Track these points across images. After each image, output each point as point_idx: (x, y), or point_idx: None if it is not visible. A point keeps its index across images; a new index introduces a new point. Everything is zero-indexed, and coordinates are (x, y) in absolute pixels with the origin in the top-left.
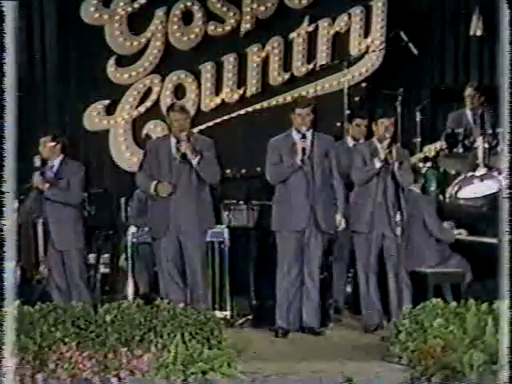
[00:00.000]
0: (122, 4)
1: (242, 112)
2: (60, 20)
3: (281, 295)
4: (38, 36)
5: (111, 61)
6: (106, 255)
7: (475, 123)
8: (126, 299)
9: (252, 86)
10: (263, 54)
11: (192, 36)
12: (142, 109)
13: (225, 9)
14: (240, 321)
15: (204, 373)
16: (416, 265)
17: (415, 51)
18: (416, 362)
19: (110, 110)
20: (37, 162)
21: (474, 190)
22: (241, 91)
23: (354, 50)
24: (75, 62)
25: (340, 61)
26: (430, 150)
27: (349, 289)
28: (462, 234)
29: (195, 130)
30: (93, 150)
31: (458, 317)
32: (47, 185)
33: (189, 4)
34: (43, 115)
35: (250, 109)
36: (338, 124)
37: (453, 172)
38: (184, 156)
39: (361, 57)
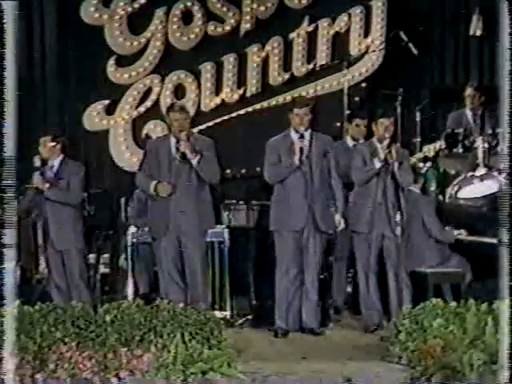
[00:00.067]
0: (121, 4)
1: (241, 112)
2: (60, 20)
3: (280, 295)
4: (38, 36)
5: (111, 61)
6: (106, 255)
7: (475, 123)
8: (125, 299)
9: (252, 86)
10: (263, 54)
11: (192, 36)
12: (141, 109)
13: (225, 9)
14: (240, 321)
15: (204, 373)
16: (416, 265)
17: (415, 51)
18: (416, 362)
19: (109, 110)
20: (37, 162)
21: (474, 190)
22: (241, 91)
23: (353, 50)
24: (75, 62)
25: (340, 61)
26: (430, 150)
27: (349, 289)
28: (461, 234)
29: (195, 130)
30: (93, 150)
31: (457, 317)
32: (47, 185)
33: (189, 4)
34: (43, 115)
35: (249, 109)
36: (338, 124)
37: (453, 172)
38: (184, 156)
39: (361, 57)
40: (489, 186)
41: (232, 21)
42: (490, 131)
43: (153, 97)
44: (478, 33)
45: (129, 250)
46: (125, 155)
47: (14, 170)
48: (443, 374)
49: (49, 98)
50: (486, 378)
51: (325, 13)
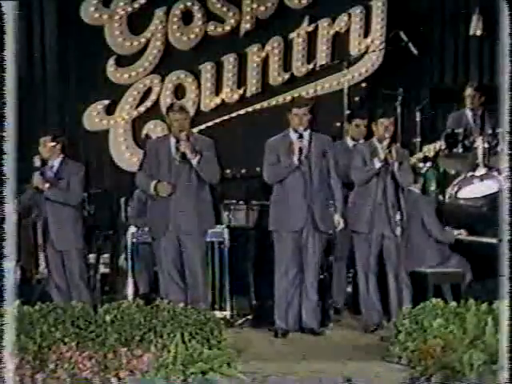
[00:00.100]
0: (121, 4)
1: (241, 112)
2: (60, 20)
3: (279, 296)
4: (38, 36)
5: (111, 61)
6: (106, 255)
7: (475, 123)
8: (125, 299)
9: (252, 86)
10: (263, 54)
11: (192, 36)
12: (141, 109)
13: (225, 9)
14: (240, 321)
15: (204, 373)
16: (416, 265)
17: (415, 51)
18: (416, 362)
19: (109, 110)
20: (37, 162)
21: (474, 190)
22: (241, 91)
23: (353, 50)
24: (75, 62)
25: (340, 61)
26: (430, 150)
27: (349, 289)
28: (461, 234)
29: (195, 130)
30: (93, 150)
31: (457, 317)
32: (47, 185)
33: (189, 4)
34: (43, 115)
35: (249, 109)
36: (338, 124)
37: (453, 172)
38: (184, 156)
39: (361, 57)
40: (489, 186)
41: (232, 21)
42: (489, 131)
43: (153, 97)
44: (478, 33)
45: (129, 249)
46: (125, 155)
47: (14, 170)
48: (443, 374)
49: (49, 98)
50: (486, 378)
51: (325, 13)
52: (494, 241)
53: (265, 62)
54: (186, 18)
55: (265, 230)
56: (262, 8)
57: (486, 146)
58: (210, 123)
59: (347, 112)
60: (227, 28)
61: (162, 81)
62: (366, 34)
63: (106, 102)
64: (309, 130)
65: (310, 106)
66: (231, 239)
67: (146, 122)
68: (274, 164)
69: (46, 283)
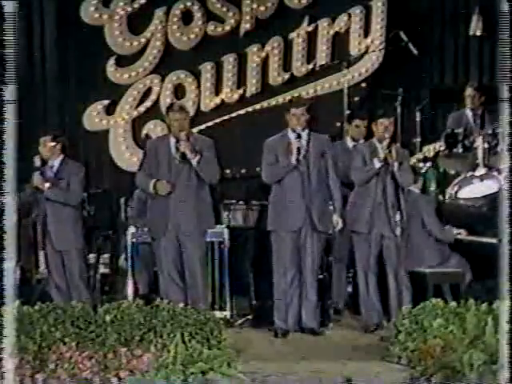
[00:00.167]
0: (121, 4)
1: (241, 112)
2: (60, 20)
3: (278, 296)
4: (38, 36)
5: (111, 61)
6: (106, 255)
7: (475, 123)
8: (125, 299)
9: (252, 86)
10: (263, 54)
11: (192, 36)
12: (141, 109)
13: (224, 9)
14: (240, 321)
15: (204, 373)
16: (416, 265)
17: (415, 51)
18: (416, 362)
19: (109, 110)
20: (37, 162)
21: (474, 190)
22: (241, 91)
23: (353, 50)
24: (75, 62)
25: (340, 61)
26: (430, 150)
27: (349, 289)
28: (461, 234)
29: (195, 130)
30: (93, 150)
31: (457, 317)
32: (47, 185)
33: (189, 4)
34: (43, 115)
35: (249, 109)
36: (338, 124)
37: (453, 172)
38: (183, 156)
39: (361, 57)
40: (489, 186)
41: (232, 21)
42: (490, 131)
43: (153, 97)
44: (478, 33)
45: (129, 250)
46: (125, 155)
47: (14, 170)
48: (443, 374)
49: (49, 98)
50: (486, 378)
51: (325, 13)
52: (494, 241)
53: (265, 62)
54: (186, 17)
55: (265, 230)
56: (262, 8)
57: (486, 146)
58: (209, 123)
59: (347, 112)
60: (227, 28)
61: (162, 81)
62: (366, 34)
63: (106, 102)
64: (307, 130)
65: (307, 106)
66: (231, 239)
67: (145, 122)
68: (272, 164)
69: (45, 283)
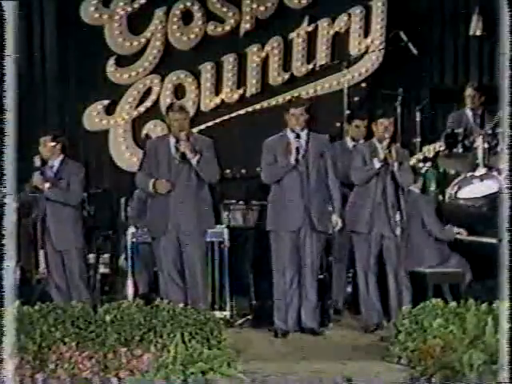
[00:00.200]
0: (121, 4)
1: (241, 112)
2: (60, 20)
3: (278, 296)
4: (38, 36)
5: (111, 61)
6: (106, 255)
7: (475, 123)
8: (125, 299)
9: (252, 86)
10: (263, 54)
11: (192, 36)
12: (141, 109)
13: (224, 9)
14: (240, 321)
15: (204, 373)
16: (416, 265)
17: (415, 51)
18: (416, 362)
19: (109, 110)
20: (37, 162)
21: (474, 190)
22: (241, 91)
23: (353, 50)
24: (75, 62)
25: (340, 61)
26: (430, 150)
27: (349, 289)
28: (461, 234)
29: (195, 130)
30: (93, 150)
31: (457, 317)
32: (47, 185)
33: (189, 4)
34: (43, 115)
35: (249, 109)
36: (338, 124)
37: (453, 172)
38: (183, 156)
39: (361, 57)
40: (489, 186)
41: (232, 21)
42: (490, 131)
43: (153, 97)
44: (478, 33)
45: (129, 249)
46: (125, 155)
47: (14, 170)
48: (443, 374)
49: (49, 98)
50: (486, 378)
51: (325, 13)
52: (493, 241)
53: (265, 62)
54: (186, 17)
55: (264, 230)
56: (262, 8)
57: (486, 146)
58: (209, 123)
59: (347, 112)
60: (227, 28)
61: (162, 81)
62: (366, 34)
63: (106, 102)
64: (306, 130)
65: (306, 106)
66: (231, 239)
67: (145, 122)
68: (271, 164)
69: (45, 283)
